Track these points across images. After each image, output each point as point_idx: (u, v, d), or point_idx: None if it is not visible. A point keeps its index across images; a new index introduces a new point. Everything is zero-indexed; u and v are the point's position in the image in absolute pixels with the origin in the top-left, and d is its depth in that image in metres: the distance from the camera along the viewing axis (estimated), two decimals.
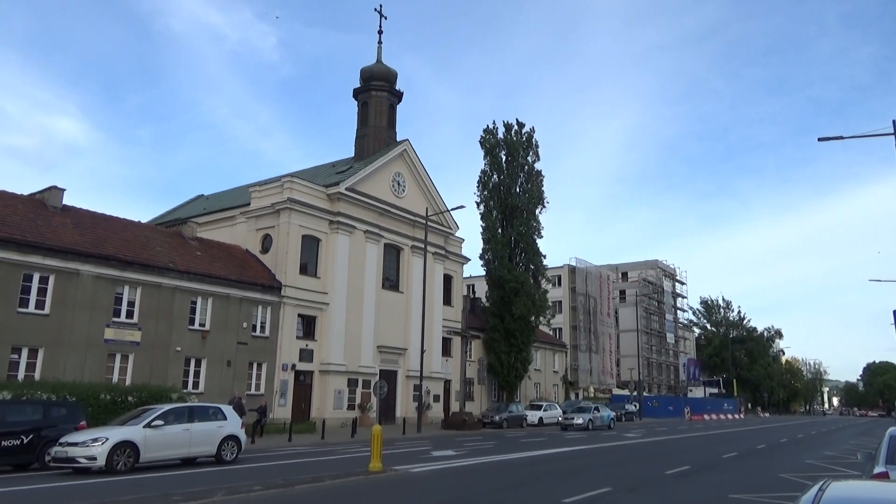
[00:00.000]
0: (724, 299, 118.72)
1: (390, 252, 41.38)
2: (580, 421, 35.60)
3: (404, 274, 41.73)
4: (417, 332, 37.72)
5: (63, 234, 26.71)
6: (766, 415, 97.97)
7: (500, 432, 36.06)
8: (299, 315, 34.79)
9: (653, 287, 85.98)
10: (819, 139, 19.26)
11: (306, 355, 34.72)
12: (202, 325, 30.15)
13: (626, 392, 66.73)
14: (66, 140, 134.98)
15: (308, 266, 35.90)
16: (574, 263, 71.14)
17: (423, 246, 38.40)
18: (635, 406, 58.83)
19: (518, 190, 49.69)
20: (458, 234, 47.08)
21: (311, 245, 36.13)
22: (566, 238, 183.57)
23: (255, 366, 32.18)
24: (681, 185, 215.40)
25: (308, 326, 35.37)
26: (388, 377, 38.34)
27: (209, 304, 30.44)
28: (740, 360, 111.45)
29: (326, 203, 37.04)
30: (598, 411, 37.95)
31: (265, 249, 35.64)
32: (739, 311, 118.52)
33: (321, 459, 19.30)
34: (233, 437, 18.12)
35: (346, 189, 37.49)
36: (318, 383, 35.15)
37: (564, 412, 38.60)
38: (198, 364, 29.83)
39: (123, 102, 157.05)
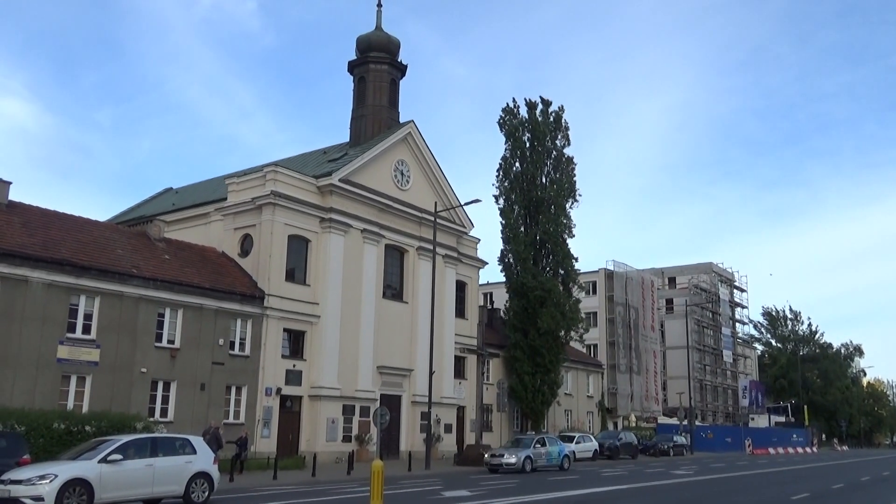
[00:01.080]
0: (791, 309, 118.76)
1: (393, 255, 41.37)
2: (512, 460, 30.60)
3: (409, 281, 41.71)
4: (425, 349, 37.71)
5: (9, 235, 26.94)
6: (845, 448, 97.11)
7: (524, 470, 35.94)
8: (285, 330, 34.85)
9: (706, 295, 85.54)
10: None
11: (294, 377, 34.78)
12: (171, 341, 30.28)
13: (674, 421, 66.31)
14: (12, 124, 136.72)
15: (296, 272, 35.98)
16: (611, 267, 70.94)
17: (431, 247, 38.39)
18: (685, 437, 58.50)
19: (544, 180, 49.63)
20: (472, 233, 47.05)
21: (299, 247, 36.20)
22: (602, 237, 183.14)
23: (233, 390, 32.28)
24: (739, 173, 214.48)
25: (296, 343, 35.41)
26: (391, 403, 38.32)
27: (179, 316, 30.57)
28: (812, 382, 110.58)
29: (317, 197, 37.08)
30: (544, 445, 33.49)
31: (245, 252, 35.79)
32: (810, 324, 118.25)
33: (311, 501, 19.25)
34: (204, 475, 18.14)
35: (340, 180, 37.55)
36: (307, 411, 35.17)
37: (493, 455, 32.40)
38: (166, 388, 29.94)
39: (79, 80, 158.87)
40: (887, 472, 39.54)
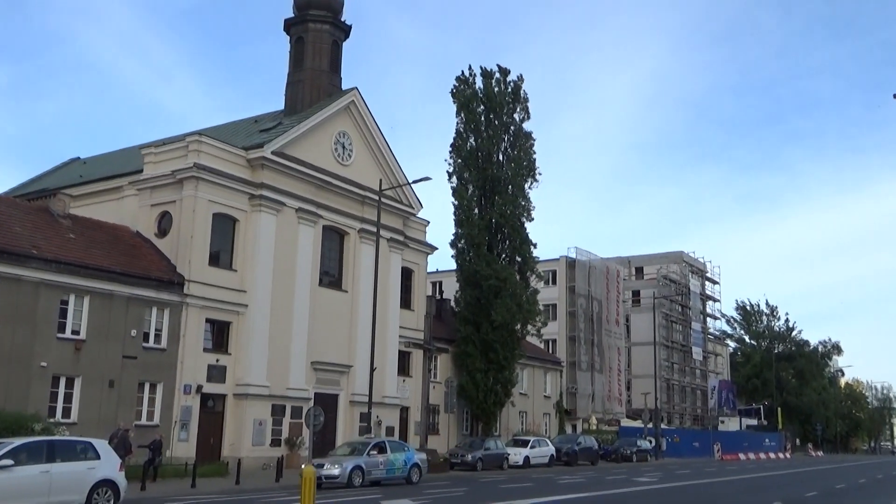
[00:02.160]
0: (767, 304, 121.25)
1: (331, 237, 41.17)
2: (334, 472, 27.51)
3: (349, 267, 41.59)
4: (366, 343, 37.61)
5: None
6: (819, 454, 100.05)
7: (474, 476, 36.11)
8: (208, 320, 34.57)
9: (676, 287, 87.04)
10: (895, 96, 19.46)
11: (217, 374, 34.50)
12: (76, 332, 29.76)
13: (638, 424, 67.45)
14: None
15: (220, 255, 35.62)
16: (573, 255, 71.56)
17: (374, 230, 38.26)
18: (650, 442, 59.59)
19: (501, 157, 49.84)
20: (421, 214, 47.06)
21: (224, 227, 35.84)
22: (564, 222, 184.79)
23: (147, 387, 31.93)
24: (713, 155, 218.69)
25: (220, 335, 35.13)
26: (326, 403, 38.16)
27: (85, 304, 30.04)
28: (787, 382, 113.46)
29: (246, 171, 36.71)
30: (384, 452, 29.70)
31: (162, 232, 35.33)
32: (787, 320, 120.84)
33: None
34: (108, 483, 17.87)
35: (273, 153, 37.20)
36: (232, 411, 34.93)
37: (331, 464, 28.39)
38: (69, 385, 29.41)
39: None
40: (863, 479, 40.78)
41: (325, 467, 27.57)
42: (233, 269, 35.86)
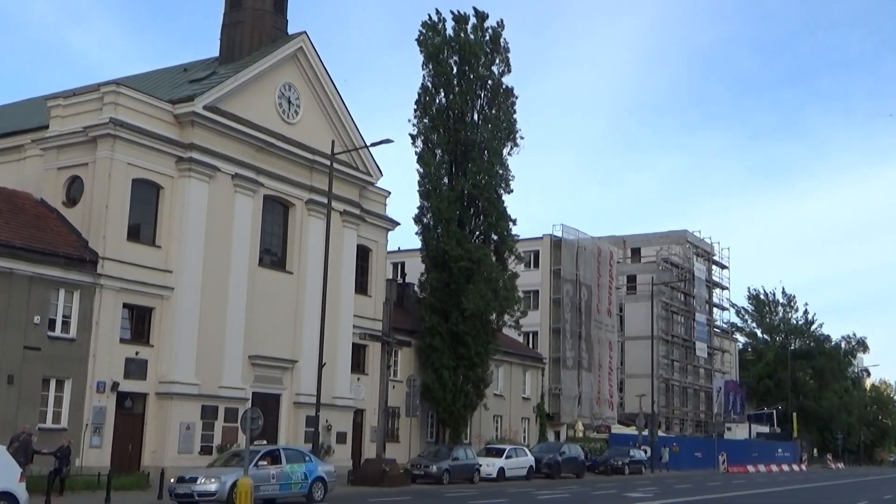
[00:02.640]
0: (783, 292, 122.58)
1: (274, 209, 41.02)
2: (211, 487, 25.75)
3: (295, 244, 41.50)
4: (314, 334, 37.58)
5: None
6: (840, 466, 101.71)
7: (439, 490, 36.37)
8: (126, 305, 34.44)
9: (678, 272, 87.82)
10: None
11: (136, 369, 34.41)
12: None
13: (632, 431, 68.15)
14: None
15: (142, 229, 35.46)
16: (559, 233, 71.92)
17: (325, 201, 38.15)
18: (645, 451, 60.29)
19: (476, 118, 49.83)
20: (381, 184, 47.01)
21: (147, 195, 35.63)
22: (549, 195, 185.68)
23: (53, 384, 31.73)
24: (724, 119, 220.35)
25: (140, 324, 35.05)
26: (267, 404, 38.10)
27: None
28: (804, 383, 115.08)
29: (173, 129, 36.45)
30: (277, 463, 28.10)
31: (72, 200, 35.06)
32: (806, 312, 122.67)
33: None
34: (6, 496, 17.84)
35: (205, 107, 36.95)
36: (154, 413, 34.87)
37: (182, 479, 26.61)
38: None
39: None
40: (889, 495, 41.62)
41: (198, 481, 26.02)
42: (156, 245, 35.63)
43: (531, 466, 45.75)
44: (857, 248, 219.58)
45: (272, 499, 27.60)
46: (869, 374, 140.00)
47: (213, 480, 25.97)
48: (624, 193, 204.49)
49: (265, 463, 27.78)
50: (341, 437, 42.74)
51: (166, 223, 35.99)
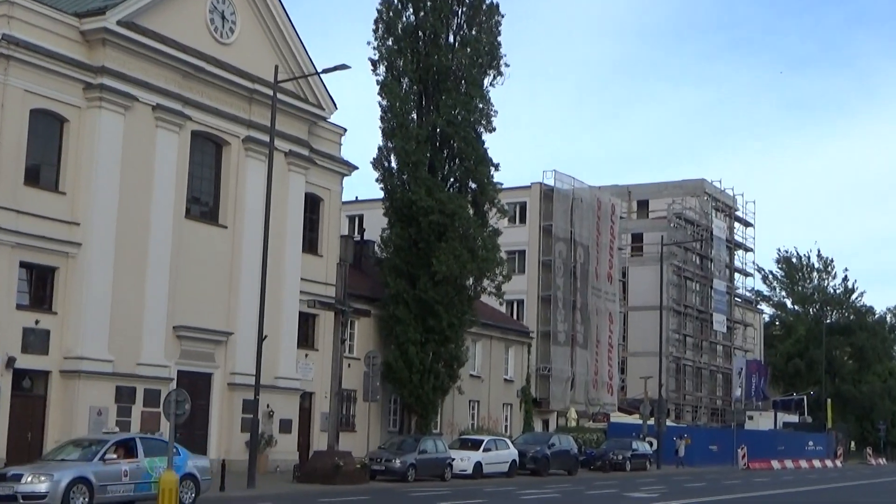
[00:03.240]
0: (819, 255, 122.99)
1: (204, 149, 40.93)
2: (40, 487, 24.27)
3: (230, 192, 41.47)
4: (253, 302, 37.66)
5: None
6: (882, 461, 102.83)
7: (403, 489, 36.69)
8: (23, 265, 34.33)
9: (693, 230, 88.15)
10: None
11: (37, 341, 34.37)
12: None
13: (635, 419, 68.79)
14: None
15: (43, 171, 35.33)
16: (551, 182, 71.81)
17: (266, 139, 38.04)
18: (651, 444, 60.95)
19: (452, 40, 49.66)
20: (335, 119, 46.98)
21: (48, 130, 35.47)
22: (540, 136, 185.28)
23: None
24: (752, 44, 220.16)
25: (41, 287, 34.98)
26: (196, 385, 38.25)
27: None
28: (841, 364, 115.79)
29: (81, 50, 36.16)
30: (134, 457, 26.43)
31: None
32: (846, 279, 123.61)
33: None
34: None
35: (119, 23, 36.61)
36: (58, 394, 34.87)
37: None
38: None
39: None
40: None
41: (23, 480, 24.45)
42: (60, 191, 35.50)
43: (514, 461, 46.10)
44: None
45: (128, 501, 26.15)
46: None
47: (42, 479, 24.42)
48: (630, 135, 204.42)
49: (115, 456, 25.88)
50: (286, 426, 42.90)
51: (72, 165, 35.74)
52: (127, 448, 26.39)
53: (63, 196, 35.49)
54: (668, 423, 69.88)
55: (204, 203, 41.07)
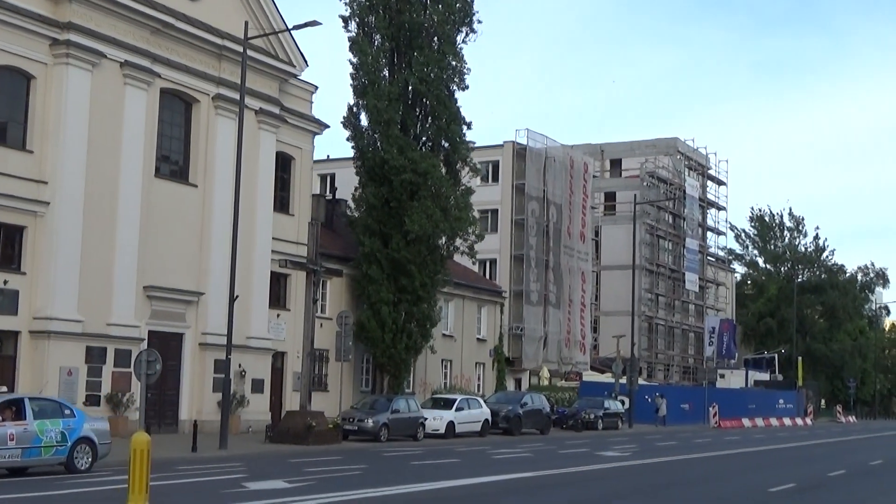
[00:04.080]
0: (791, 214, 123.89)
1: (174, 106, 40.76)
2: None
3: (200, 150, 41.31)
4: (224, 261, 37.54)
5: None
6: (851, 419, 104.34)
7: (376, 449, 36.81)
8: None
9: (666, 188, 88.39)
10: None
11: (5, 302, 34.25)
12: None
13: (607, 378, 69.17)
14: None
15: (9, 129, 35.12)
16: (524, 140, 71.72)
17: (237, 97, 37.68)
18: (623, 402, 61.31)
19: None
20: (306, 76, 46.82)
21: (14, 87, 35.26)
22: (512, 95, 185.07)
23: None
24: (726, 5, 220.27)
25: (9, 246, 34.78)
26: (167, 346, 38.21)
27: None
28: (812, 323, 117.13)
29: (47, 5, 35.78)
30: (22, 419, 24.13)
31: None
32: (817, 237, 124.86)
33: (25, 498, 19.10)
34: None
35: None
36: (27, 355, 34.80)
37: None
38: None
39: None
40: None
41: None
42: (27, 149, 35.23)
43: (486, 420, 46.26)
44: (881, 163, 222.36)
45: (16, 468, 24.19)
46: (888, 312, 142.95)
47: None
48: (603, 94, 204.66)
49: (1, 419, 23.76)
50: (258, 386, 42.92)
51: (39, 122, 35.45)
52: (15, 410, 24.27)
53: (30, 154, 35.21)
54: (641, 381, 70.34)
55: (174, 162, 40.84)
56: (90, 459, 24.96)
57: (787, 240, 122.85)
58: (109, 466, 25.39)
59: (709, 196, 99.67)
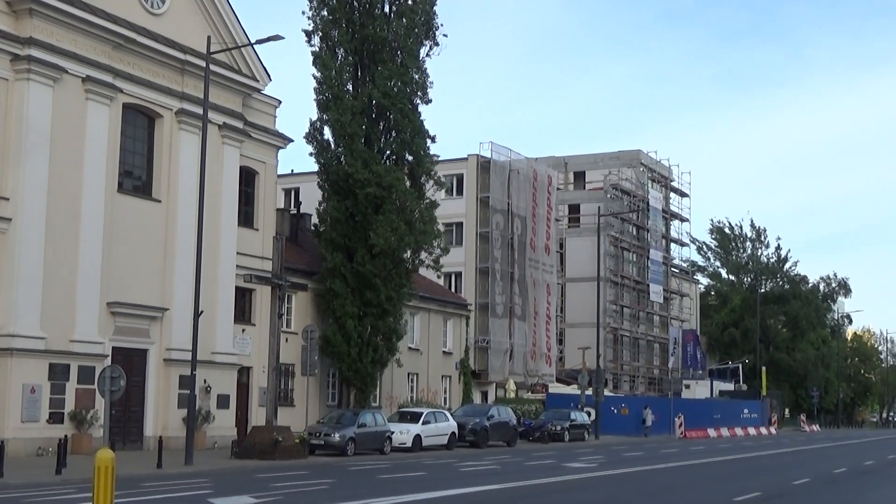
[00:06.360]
0: (752, 225, 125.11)
1: (136, 121, 40.67)
2: None
3: (163, 165, 41.18)
4: (188, 277, 37.47)
5: None
6: (815, 428, 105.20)
7: (343, 463, 36.75)
8: None
9: (630, 200, 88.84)
10: None
11: None
12: None
13: (573, 390, 69.34)
14: None
15: None
16: (488, 154, 71.94)
17: (200, 111, 37.58)
18: (589, 414, 61.48)
19: (388, 9, 49.40)
20: (270, 90, 46.79)
21: None
22: (476, 109, 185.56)
23: None
24: (686, 17, 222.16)
25: None
26: (131, 362, 38.15)
27: None
28: (775, 333, 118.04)
29: (7, 20, 35.69)
30: None
31: None
32: (779, 248, 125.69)
33: None
34: None
35: None
36: None
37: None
38: None
39: None
40: (871, 460, 43.37)
41: None
42: None
43: (453, 433, 46.25)
44: (841, 174, 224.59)
45: None
46: (850, 322, 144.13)
47: None
48: (566, 107, 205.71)
49: None
50: (223, 401, 42.80)
51: (0, 139, 35.23)
52: None
53: None
54: (606, 392, 70.59)
55: (137, 177, 40.66)
56: None
57: (749, 250, 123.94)
58: (73, 483, 25.27)
59: (672, 207, 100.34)
